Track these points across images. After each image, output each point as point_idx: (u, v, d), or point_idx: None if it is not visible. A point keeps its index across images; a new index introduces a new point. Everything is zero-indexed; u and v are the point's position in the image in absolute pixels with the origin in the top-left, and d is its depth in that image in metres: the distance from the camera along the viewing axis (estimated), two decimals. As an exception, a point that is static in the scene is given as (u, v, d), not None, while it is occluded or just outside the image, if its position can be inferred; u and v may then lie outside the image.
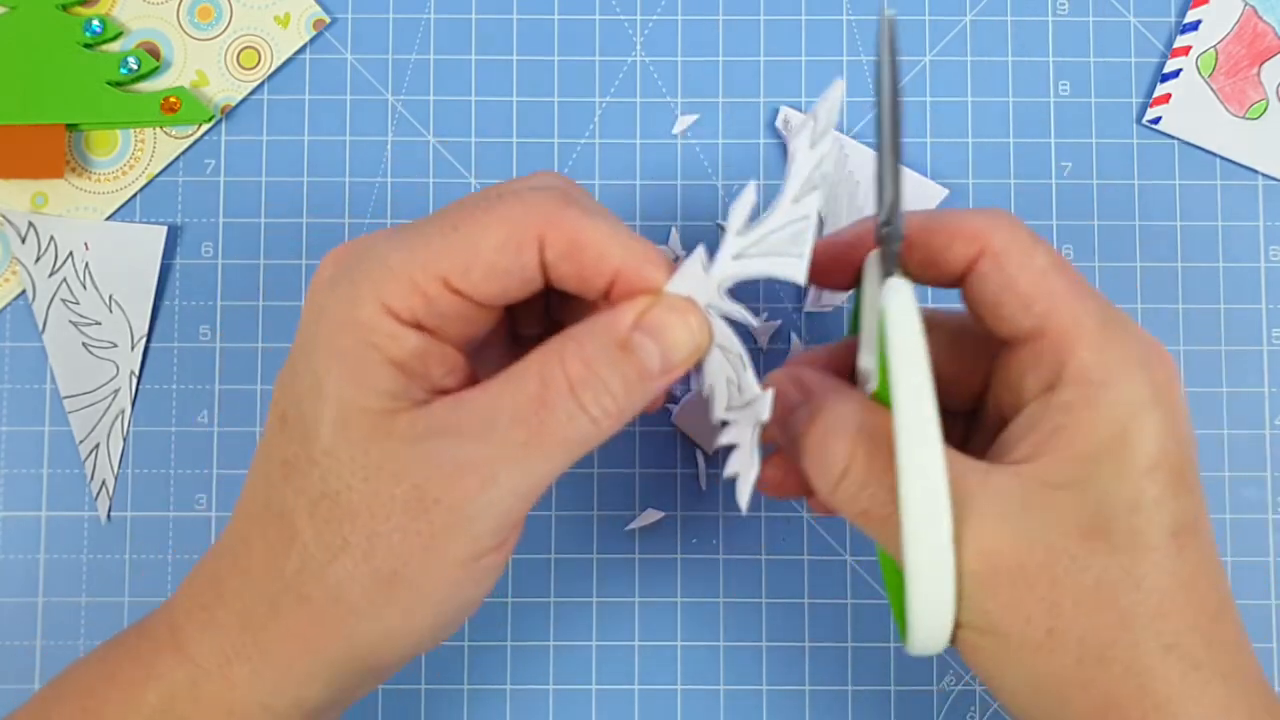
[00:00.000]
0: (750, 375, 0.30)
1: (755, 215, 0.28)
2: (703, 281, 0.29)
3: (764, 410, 0.29)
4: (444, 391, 0.29)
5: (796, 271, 0.28)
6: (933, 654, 0.28)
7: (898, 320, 0.27)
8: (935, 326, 0.31)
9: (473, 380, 0.29)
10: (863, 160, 0.42)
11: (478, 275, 0.28)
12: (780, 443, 0.32)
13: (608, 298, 0.29)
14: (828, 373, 0.32)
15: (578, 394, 0.28)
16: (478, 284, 0.28)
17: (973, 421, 0.33)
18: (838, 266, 0.32)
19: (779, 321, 0.42)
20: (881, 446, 0.28)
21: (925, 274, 0.31)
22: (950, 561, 0.26)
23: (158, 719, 0.29)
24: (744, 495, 0.31)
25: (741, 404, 0.30)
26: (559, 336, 0.29)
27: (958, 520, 0.27)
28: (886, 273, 0.29)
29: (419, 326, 0.28)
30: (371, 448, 0.27)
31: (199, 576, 0.31)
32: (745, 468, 0.30)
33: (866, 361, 0.31)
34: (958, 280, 0.31)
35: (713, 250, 0.28)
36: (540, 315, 0.33)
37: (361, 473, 0.27)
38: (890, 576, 0.31)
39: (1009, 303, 0.29)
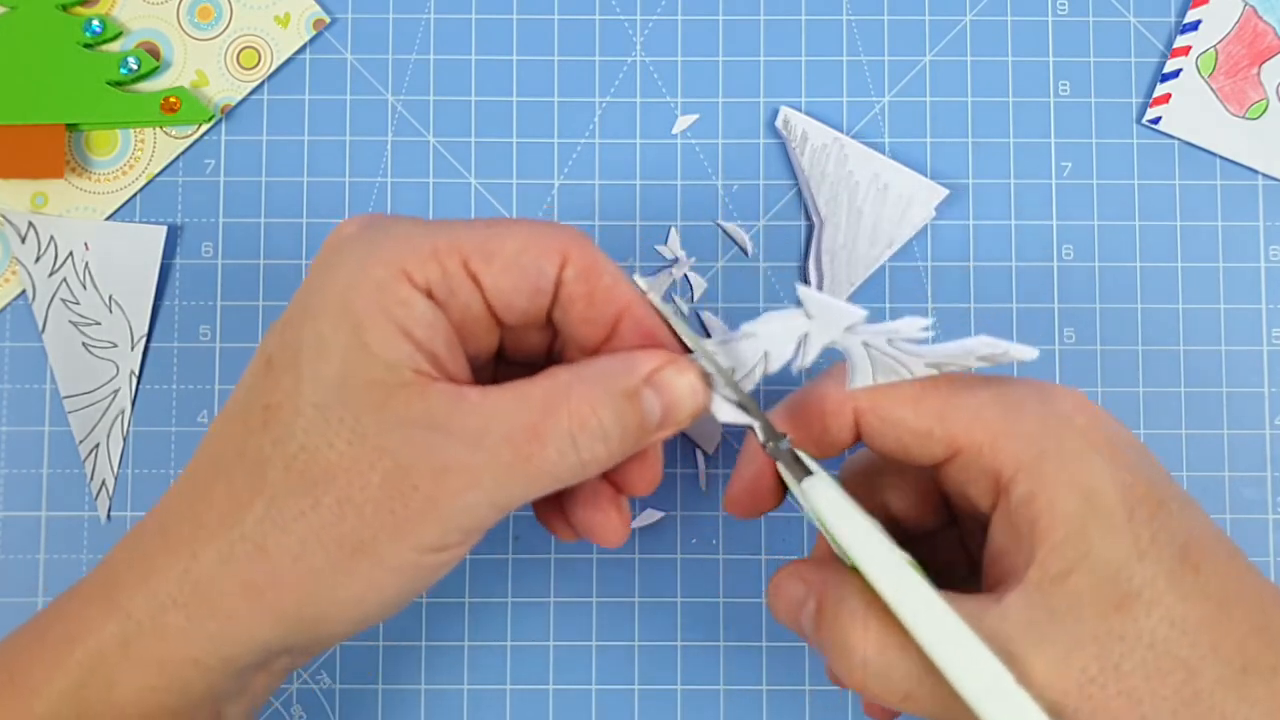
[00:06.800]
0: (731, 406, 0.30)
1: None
2: (838, 328, 0.28)
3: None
4: (448, 375, 0.28)
5: (865, 376, 0.29)
6: None
7: (832, 514, 0.28)
8: (881, 470, 0.33)
9: (471, 382, 0.29)
10: (862, 160, 0.42)
11: (498, 267, 0.28)
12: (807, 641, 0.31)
13: (607, 342, 0.30)
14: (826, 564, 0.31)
15: (575, 434, 0.27)
16: (496, 276, 0.28)
17: (950, 535, 0.34)
18: (762, 496, 0.32)
19: None
20: (893, 623, 0.27)
21: (827, 453, 0.31)
22: (1028, 700, 0.26)
23: (85, 678, 0.28)
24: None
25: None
26: (571, 369, 0.28)
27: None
28: (798, 477, 0.29)
29: (430, 297, 0.28)
30: (364, 415, 0.27)
31: (145, 526, 0.29)
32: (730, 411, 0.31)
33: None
34: (854, 444, 0.31)
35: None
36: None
37: (347, 435, 0.27)
38: None
39: (909, 442, 0.29)
